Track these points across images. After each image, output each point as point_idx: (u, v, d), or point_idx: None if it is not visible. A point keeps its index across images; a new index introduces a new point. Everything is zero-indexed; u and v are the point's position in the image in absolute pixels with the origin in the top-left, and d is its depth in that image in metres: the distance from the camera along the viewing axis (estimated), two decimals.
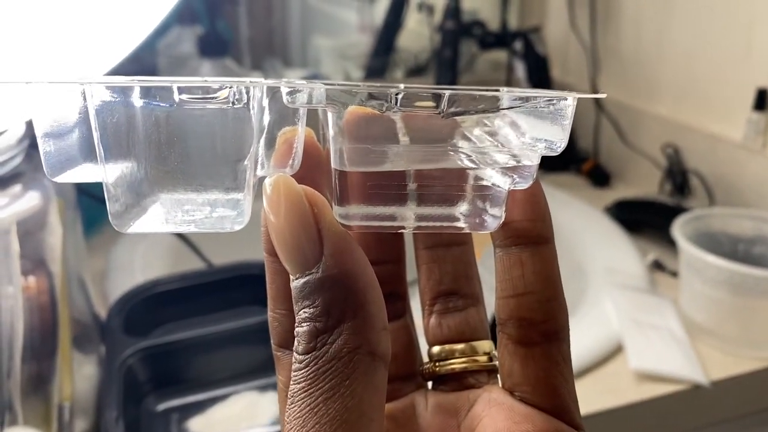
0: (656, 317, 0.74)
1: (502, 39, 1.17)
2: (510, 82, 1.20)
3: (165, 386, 0.61)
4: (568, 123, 0.22)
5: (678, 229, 0.74)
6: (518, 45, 1.15)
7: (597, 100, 1.11)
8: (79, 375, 0.59)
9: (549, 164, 1.13)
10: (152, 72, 1.12)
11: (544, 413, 0.22)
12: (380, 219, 0.21)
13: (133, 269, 0.83)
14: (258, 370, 0.62)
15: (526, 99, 0.21)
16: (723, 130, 0.93)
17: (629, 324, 0.72)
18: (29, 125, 0.22)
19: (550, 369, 0.22)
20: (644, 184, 1.05)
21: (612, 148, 1.11)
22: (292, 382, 0.19)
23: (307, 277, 0.20)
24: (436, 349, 0.25)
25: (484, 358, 0.25)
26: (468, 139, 0.22)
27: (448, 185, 0.21)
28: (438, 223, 0.22)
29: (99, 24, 0.48)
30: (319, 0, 1.41)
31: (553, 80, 1.18)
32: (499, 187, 0.21)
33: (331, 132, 0.21)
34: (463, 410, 0.24)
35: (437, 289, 0.25)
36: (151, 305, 0.67)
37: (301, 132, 0.22)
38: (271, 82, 0.20)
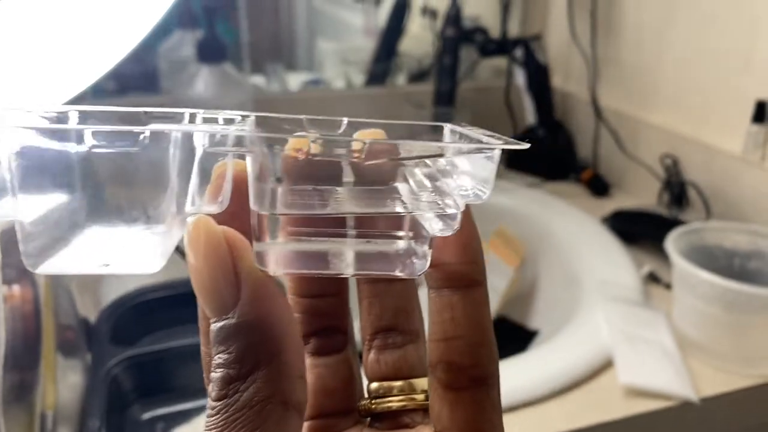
0: (648, 331, 0.73)
1: (502, 46, 1.17)
2: (510, 89, 1.19)
3: (151, 395, 0.61)
4: (494, 170, 0.21)
5: (671, 242, 0.73)
6: (519, 52, 1.15)
7: (596, 109, 1.11)
8: (63, 383, 0.59)
9: (549, 173, 1.13)
10: (152, 76, 1.12)
11: None
12: (306, 265, 0.21)
13: (126, 276, 0.83)
14: None
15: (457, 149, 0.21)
16: (722, 142, 0.93)
17: (620, 338, 0.71)
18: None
19: (478, 415, 0.22)
20: (643, 194, 1.04)
21: (611, 158, 1.11)
22: (204, 428, 0.19)
23: (223, 322, 0.19)
24: (374, 385, 0.25)
25: (421, 397, 0.24)
26: (407, 181, 0.22)
27: (381, 230, 0.21)
28: (370, 270, 0.21)
29: (87, 31, 0.48)
30: (325, 2, 1.40)
31: (554, 89, 1.17)
32: (426, 232, 0.21)
33: (250, 173, 0.20)
34: None
35: (377, 325, 0.25)
36: (139, 313, 0.67)
37: (229, 168, 0.21)
38: (186, 127, 0.20)
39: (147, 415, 0.60)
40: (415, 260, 0.21)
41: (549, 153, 1.15)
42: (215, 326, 0.19)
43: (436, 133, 0.23)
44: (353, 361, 0.26)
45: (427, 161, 0.22)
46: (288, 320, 0.20)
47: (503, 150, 0.21)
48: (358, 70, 1.31)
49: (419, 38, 1.30)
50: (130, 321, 0.66)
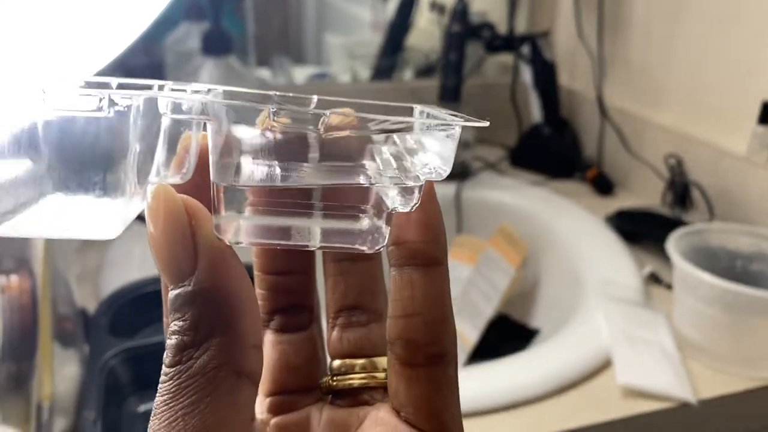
0: (648, 332, 0.73)
1: (509, 43, 1.16)
2: (516, 86, 1.19)
3: (148, 387, 0.61)
4: (455, 149, 0.22)
5: (673, 243, 0.73)
6: (526, 49, 1.14)
7: (602, 107, 1.10)
8: (60, 374, 0.59)
9: (554, 171, 1.12)
10: (159, 67, 1.12)
11: None
12: (267, 237, 0.21)
13: (129, 266, 0.83)
14: None
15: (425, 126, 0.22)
16: (727, 143, 0.92)
17: (619, 338, 0.71)
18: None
19: (433, 393, 0.22)
20: (647, 193, 1.04)
21: (616, 157, 1.10)
22: (157, 395, 0.20)
23: (180, 290, 0.19)
24: (336, 363, 0.25)
25: (382, 375, 0.24)
26: (374, 159, 0.22)
27: (345, 205, 0.21)
28: (332, 244, 0.21)
29: (90, 20, 0.48)
30: None
31: (560, 86, 1.17)
32: (386, 207, 0.21)
33: (211, 144, 0.21)
34: (353, 427, 0.24)
35: (341, 303, 0.25)
36: (138, 305, 0.67)
37: (194, 139, 0.22)
38: (145, 93, 0.20)
39: (143, 408, 0.60)
40: (376, 235, 0.21)
41: (554, 151, 1.14)
42: (172, 293, 0.20)
43: (406, 113, 0.23)
44: (318, 338, 0.26)
45: (395, 139, 0.22)
46: (245, 290, 0.20)
47: (464, 128, 0.21)
48: (365, 64, 1.31)
49: (427, 33, 1.30)
50: (129, 313, 0.66)
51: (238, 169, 0.21)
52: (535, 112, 1.16)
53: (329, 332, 0.26)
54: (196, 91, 0.22)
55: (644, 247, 0.92)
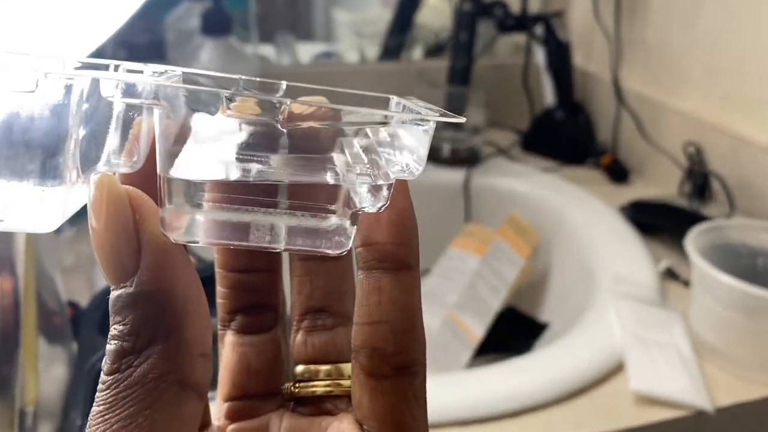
0: (663, 333, 0.70)
1: (522, 22, 1.11)
2: (529, 67, 1.14)
3: None
4: (428, 145, 0.20)
5: (692, 240, 0.69)
6: (539, 30, 1.10)
7: (618, 91, 1.06)
8: (47, 376, 0.57)
9: (566, 157, 1.08)
10: (159, 46, 1.09)
11: None
12: (221, 235, 0.19)
13: None
14: None
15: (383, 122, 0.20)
16: (750, 131, 0.88)
17: (633, 340, 0.68)
18: None
19: (399, 405, 0.21)
20: (664, 183, 0.99)
21: (632, 143, 1.06)
22: (93, 404, 0.18)
23: (121, 290, 0.18)
24: (300, 368, 0.24)
25: (348, 382, 0.23)
26: (344, 152, 0.20)
27: (310, 203, 0.20)
28: (294, 245, 0.20)
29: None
30: None
31: (575, 68, 1.12)
32: (354, 205, 0.20)
33: (158, 131, 0.19)
34: None
35: (307, 305, 0.24)
36: None
37: (144, 124, 0.20)
38: (90, 73, 0.18)
39: None
40: (341, 237, 0.20)
41: (567, 136, 1.10)
42: (114, 294, 0.18)
43: (382, 104, 0.22)
44: (282, 341, 0.25)
45: (367, 131, 0.20)
46: (192, 293, 0.19)
47: (449, 124, 0.20)
48: (373, 42, 1.26)
49: (437, 10, 1.25)
50: None
51: (189, 160, 0.19)
52: (547, 95, 1.12)
53: (294, 335, 0.24)
54: (154, 73, 0.20)
55: (660, 239, 0.88)
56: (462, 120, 0.20)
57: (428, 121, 0.20)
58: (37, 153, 0.18)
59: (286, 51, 1.23)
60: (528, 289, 0.92)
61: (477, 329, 0.83)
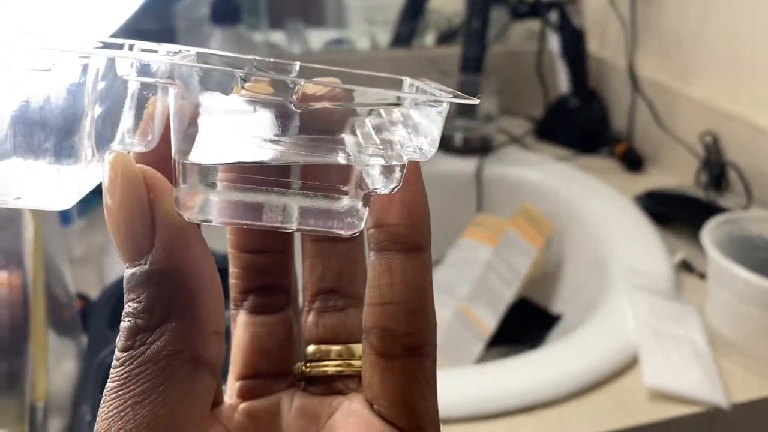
0: (678, 327, 0.69)
1: (536, 8, 1.10)
2: (543, 54, 1.13)
3: None
4: (441, 127, 0.20)
5: (708, 233, 0.68)
6: (553, 16, 1.08)
7: (633, 79, 1.04)
8: (57, 372, 0.57)
9: (581, 145, 1.07)
10: (170, 33, 1.08)
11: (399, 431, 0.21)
12: (233, 215, 0.19)
13: None
14: None
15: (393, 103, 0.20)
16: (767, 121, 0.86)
17: (647, 334, 0.67)
18: None
19: (409, 386, 0.21)
20: (680, 172, 0.98)
21: (647, 132, 1.04)
22: (108, 380, 0.18)
23: (135, 268, 0.18)
24: (311, 348, 0.24)
25: (359, 363, 0.23)
26: (355, 132, 0.20)
27: (322, 183, 0.20)
28: (306, 226, 0.20)
29: None
30: None
31: (590, 55, 1.11)
32: (366, 187, 0.20)
33: (173, 111, 0.19)
34: (324, 417, 0.23)
35: (318, 286, 0.24)
36: None
37: (159, 104, 0.20)
38: (106, 52, 0.18)
39: None
40: (353, 218, 0.20)
41: (581, 124, 1.09)
42: (128, 272, 0.18)
43: (395, 85, 0.22)
44: (294, 322, 0.25)
45: (380, 111, 0.20)
46: (206, 272, 0.19)
47: (463, 109, 0.20)
48: (385, 28, 1.25)
49: None
50: None
51: (203, 142, 0.19)
52: (562, 82, 1.10)
53: (305, 316, 0.24)
54: (168, 53, 0.20)
55: (675, 230, 0.87)
56: (476, 101, 0.20)
57: (441, 102, 0.20)
58: (53, 131, 0.18)
59: (296, 38, 1.22)
60: (541, 280, 0.91)
61: (489, 321, 0.82)
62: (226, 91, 0.19)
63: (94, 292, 0.68)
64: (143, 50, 0.20)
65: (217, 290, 0.19)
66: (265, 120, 0.19)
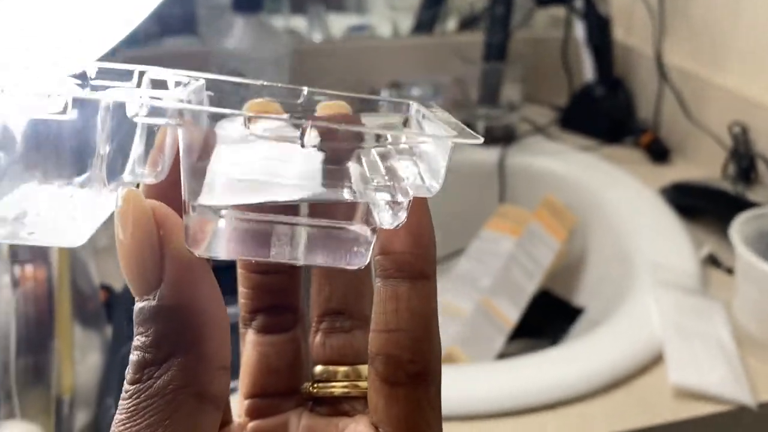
0: (704, 323, 0.68)
1: None
2: (568, 42, 1.11)
3: None
4: (446, 164, 0.20)
5: (737, 228, 0.67)
6: (579, 2, 1.06)
7: (661, 67, 1.02)
8: (82, 365, 0.57)
9: (605, 134, 1.05)
10: (191, 20, 1.08)
11: None
12: (244, 250, 0.20)
13: None
14: None
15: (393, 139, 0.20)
16: None
17: (672, 330, 0.66)
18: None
19: (413, 413, 0.21)
20: (707, 163, 0.96)
21: (674, 122, 1.03)
22: (116, 412, 0.19)
23: (144, 303, 0.19)
24: (318, 369, 0.24)
25: (365, 384, 0.23)
26: (360, 161, 0.21)
27: (329, 218, 0.20)
28: (314, 261, 0.20)
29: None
30: None
31: (615, 42, 1.09)
32: (373, 221, 0.20)
33: (182, 149, 0.19)
34: None
35: (326, 307, 0.25)
36: None
37: (169, 135, 0.20)
38: (115, 96, 0.18)
39: None
40: (359, 252, 0.20)
41: (606, 113, 1.07)
42: (137, 306, 0.19)
43: (401, 111, 0.22)
44: (302, 342, 0.25)
45: (388, 141, 0.20)
46: (213, 308, 0.19)
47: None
48: (407, 15, 1.24)
49: None
50: None
51: (213, 182, 0.19)
52: (586, 70, 1.09)
53: (313, 336, 0.25)
54: (178, 84, 0.20)
55: (702, 224, 0.85)
56: (480, 141, 0.20)
57: (445, 139, 0.19)
58: (66, 166, 0.19)
59: (317, 23, 1.21)
60: (563, 272, 0.90)
61: (511, 314, 0.82)
62: (235, 125, 0.19)
63: (118, 284, 0.69)
64: (153, 81, 0.20)
65: (224, 325, 0.20)
66: (273, 158, 0.20)
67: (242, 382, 0.25)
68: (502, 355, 0.79)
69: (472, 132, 0.20)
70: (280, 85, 0.22)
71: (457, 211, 0.97)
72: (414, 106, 0.22)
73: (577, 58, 1.10)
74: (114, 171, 0.20)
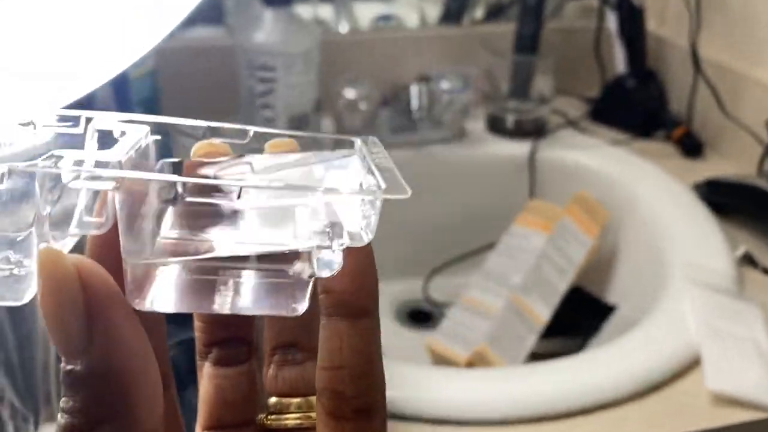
0: (740, 326, 0.67)
1: None
2: (601, 32, 1.09)
3: None
4: (377, 214, 0.21)
5: None
6: None
7: (696, 59, 1.00)
8: None
9: (636, 128, 1.04)
10: (218, 12, 1.08)
11: None
12: (181, 304, 0.20)
13: None
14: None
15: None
16: None
17: (709, 334, 0.65)
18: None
19: None
20: (742, 160, 0.95)
21: (708, 116, 1.01)
22: None
23: (71, 366, 0.18)
24: (272, 400, 0.25)
25: None
26: (295, 216, 0.21)
27: (266, 267, 0.21)
28: (255, 308, 0.21)
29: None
30: None
31: (649, 34, 1.07)
32: (311, 270, 0.21)
33: (119, 212, 0.19)
34: None
35: (277, 340, 0.25)
36: None
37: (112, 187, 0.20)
38: (51, 170, 0.19)
39: None
40: (298, 297, 0.21)
41: (638, 106, 1.05)
42: (64, 368, 0.18)
43: (346, 149, 0.23)
44: (257, 372, 0.26)
45: (321, 193, 0.21)
46: (144, 369, 0.19)
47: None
48: (434, 3, 1.22)
49: None
50: None
51: (150, 240, 0.20)
52: (618, 62, 1.07)
53: (266, 369, 0.25)
54: (123, 132, 0.21)
55: (736, 222, 0.84)
56: (406, 195, 0.20)
57: (377, 192, 0.20)
58: (7, 230, 0.19)
59: (344, 12, 1.20)
60: (594, 269, 0.89)
61: (542, 312, 0.81)
62: (192, 142, 0.20)
63: None
64: (98, 131, 0.21)
65: (156, 386, 0.19)
66: (207, 217, 0.20)
67: (200, 414, 0.25)
68: (532, 354, 0.79)
69: (402, 183, 0.20)
70: (226, 125, 0.22)
71: (486, 206, 0.97)
72: (358, 143, 0.23)
73: (608, 50, 1.08)
74: (59, 227, 0.20)
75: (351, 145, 0.23)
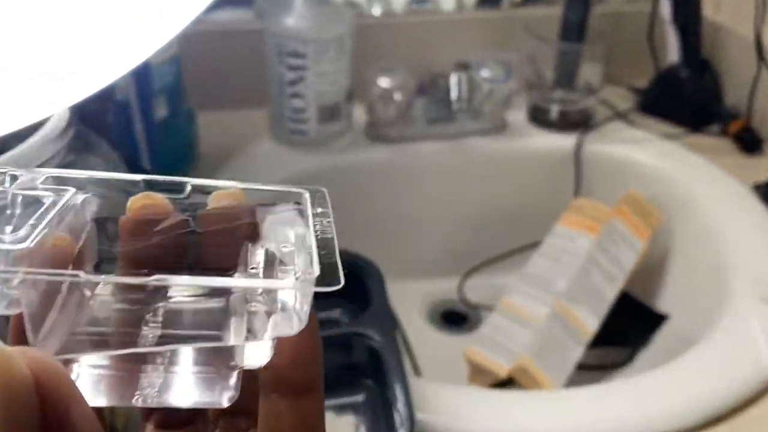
0: None
1: None
2: (654, 16, 1.02)
3: None
4: (311, 299, 0.19)
5: None
6: None
7: (760, 48, 0.93)
8: None
9: (688, 121, 0.97)
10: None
11: None
12: (113, 401, 0.19)
13: None
14: (336, 386, 0.55)
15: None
16: None
17: None
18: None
19: None
20: None
21: None
22: None
23: None
24: None
25: None
26: (246, 267, 0.21)
27: (194, 361, 0.20)
28: (182, 402, 0.20)
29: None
30: None
31: (704, 20, 0.99)
32: (240, 362, 0.20)
33: (24, 308, 0.18)
34: None
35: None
36: None
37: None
38: None
39: None
40: (227, 387, 0.20)
41: (691, 97, 0.98)
42: None
43: (294, 203, 0.22)
44: None
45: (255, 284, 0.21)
46: None
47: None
48: None
49: None
50: None
51: (60, 330, 0.19)
52: (671, 51, 1.00)
53: None
54: (53, 182, 0.21)
55: None
56: (339, 285, 0.19)
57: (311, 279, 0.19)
58: None
59: None
60: (644, 274, 0.83)
61: (590, 322, 0.75)
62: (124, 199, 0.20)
63: None
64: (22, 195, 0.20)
65: None
66: (127, 309, 0.20)
67: None
68: (579, 367, 0.74)
69: (339, 267, 0.19)
70: (162, 178, 0.21)
71: (528, 203, 0.91)
72: (306, 196, 0.22)
73: (661, 37, 1.01)
74: None
75: (298, 197, 0.22)
